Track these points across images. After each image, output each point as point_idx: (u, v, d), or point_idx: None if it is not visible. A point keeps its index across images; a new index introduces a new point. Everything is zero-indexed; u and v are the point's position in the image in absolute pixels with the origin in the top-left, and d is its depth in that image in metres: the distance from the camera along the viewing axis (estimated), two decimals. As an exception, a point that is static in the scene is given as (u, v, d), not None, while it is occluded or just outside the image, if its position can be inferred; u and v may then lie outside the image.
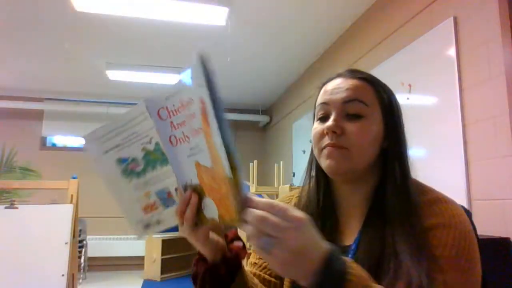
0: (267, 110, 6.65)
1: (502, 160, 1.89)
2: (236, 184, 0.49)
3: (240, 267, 0.66)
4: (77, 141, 6.34)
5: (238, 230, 0.61)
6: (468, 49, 2.13)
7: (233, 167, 0.48)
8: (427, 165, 2.31)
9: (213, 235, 0.63)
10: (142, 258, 5.45)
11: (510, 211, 1.84)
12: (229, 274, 0.64)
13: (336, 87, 0.71)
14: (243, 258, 0.67)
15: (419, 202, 0.64)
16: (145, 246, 5.38)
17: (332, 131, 0.68)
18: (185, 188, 0.57)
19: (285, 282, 0.74)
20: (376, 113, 0.70)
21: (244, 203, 0.48)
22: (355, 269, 0.49)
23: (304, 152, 4.67)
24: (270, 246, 0.46)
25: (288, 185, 3.55)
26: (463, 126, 2.12)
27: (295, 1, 3.26)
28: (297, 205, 0.78)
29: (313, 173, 0.77)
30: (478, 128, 2.04)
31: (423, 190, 0.67)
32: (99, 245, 5.77)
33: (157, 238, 5.18)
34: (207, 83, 0.48)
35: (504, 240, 1.82)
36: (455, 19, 2.23)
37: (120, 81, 5.03)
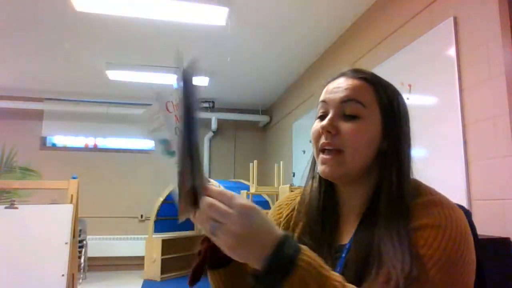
0: (267, 110, 6.65)
1: (502, 160, 1.89)
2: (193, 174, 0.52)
3: None
4: (77, 141, 6.34)
5: None
6: (468, 49, 2.13)
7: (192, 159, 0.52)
8: (427, 165, 2.31)
9: None
10: (142, 258, 5.44)
11: (510, 211, 1.84)
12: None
13: (336, 86, 0.72)
14: None
15: (413, 204, 0.63)
16: (145, 246, 5.38)
17: (326, 130, 0.68)
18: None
19: None
20: (374, 114, 0.69)
21: (203, 192, 0.53)
22: (308, 255, 0.50)
23: (304, 152, 4.67)
24: (216, 229, 0.50)
25: (288, 185, 3.55)
26: (463, 126, 2.12)
27: (295, 1, 3.26)
28: (300, 204, 0.79)
29: (315, 173, 0.78)
30: (478, 128, 2.04)
31: (420, 192, 0.66)
32: (99, 245, 5.76)
33: (157, 238, 5.18)
34: (184, 97, 0.53)
35: (504, 240, 1.81)
36: (455, 19, 2.23)
37: (120, 81, 5.02)
